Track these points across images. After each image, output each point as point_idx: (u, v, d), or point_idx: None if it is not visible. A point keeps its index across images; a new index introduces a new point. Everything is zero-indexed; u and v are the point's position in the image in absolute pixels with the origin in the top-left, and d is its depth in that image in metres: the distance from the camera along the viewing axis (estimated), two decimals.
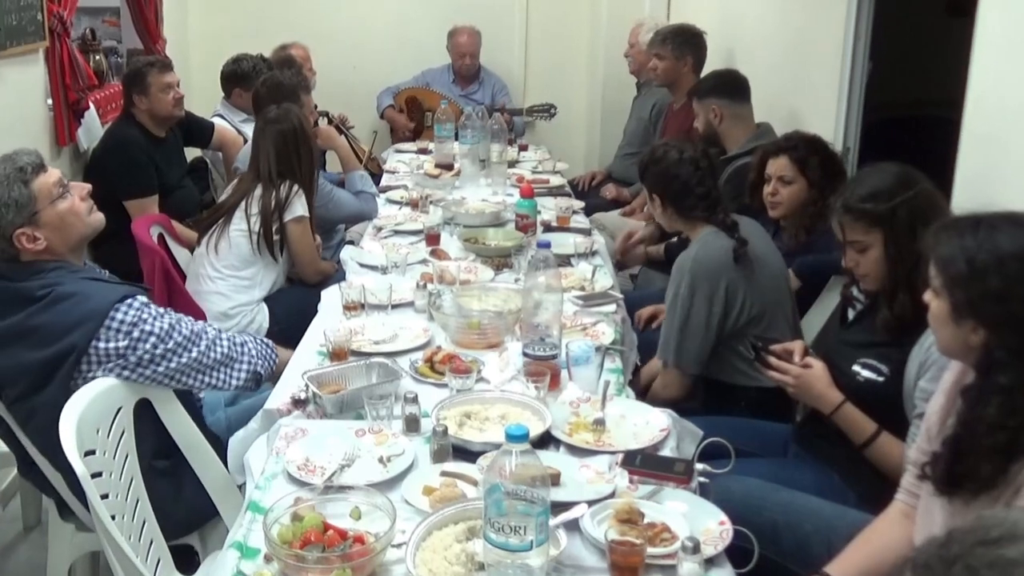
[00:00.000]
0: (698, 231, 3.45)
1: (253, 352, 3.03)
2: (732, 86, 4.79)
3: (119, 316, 2.68)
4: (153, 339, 2.71)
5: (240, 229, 4.21)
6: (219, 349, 2.91)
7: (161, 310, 2.81)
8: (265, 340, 3.16)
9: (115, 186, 4.86)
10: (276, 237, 4.21)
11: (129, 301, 2.72)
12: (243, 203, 4.24)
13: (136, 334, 2.69)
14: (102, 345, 2.66)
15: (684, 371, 3.38)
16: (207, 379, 2.90)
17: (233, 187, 4.46)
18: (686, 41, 5.74)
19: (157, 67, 5.16)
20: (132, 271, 4.09)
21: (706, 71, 5.78)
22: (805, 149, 3.81)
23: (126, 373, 2.71)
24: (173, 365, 2.78)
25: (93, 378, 2.66)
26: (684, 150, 3.45)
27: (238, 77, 5.91)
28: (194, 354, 2.82)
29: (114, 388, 2.67)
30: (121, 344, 2.67)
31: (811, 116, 4.81)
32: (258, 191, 4.23)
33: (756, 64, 4.96)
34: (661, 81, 5.95)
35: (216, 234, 4.26)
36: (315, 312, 3.60)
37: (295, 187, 4.25)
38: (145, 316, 2.72)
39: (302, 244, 4.30)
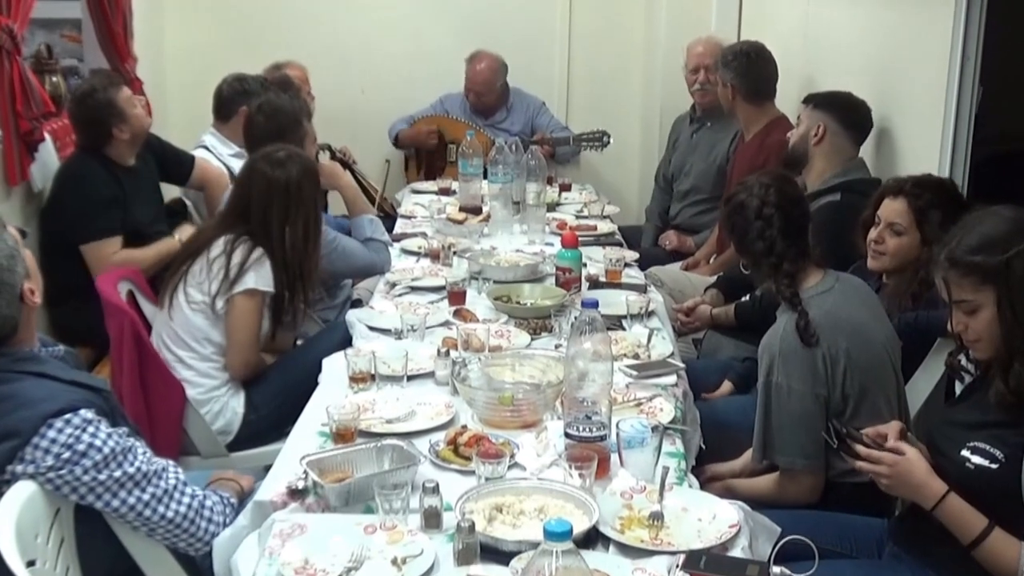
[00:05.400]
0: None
1: (218, 521, 2.90)
2: (854, 115, 4.86)
3: (51, 434, 2.57)
4: (86, 462, 2.61)
5: (199, 287, 4.10)
6: (173, 507, 2.79)
7: (109, 430, 2.68)
8: (231, 502, 3.02)
9: (73, 229, 4.93)
10: (222, 311, 4.08)
11: (67, 417, 2.60)
12: (203, 258, 4.11)
13: (66, 455, 2.58)
14: (19, 468, 2.57)
15: (815, 469, 3.32)
16: (148, 533, 2.80)
17: (193, 236, 4.29)
18: (733, 62, 5.79)
19: (114, 85, 5.18)
20: (97, 335, 4.12)
21: (782, 93, 5.83)
22: (929, 197, 3.72)
23: (60, 492, 2.64)
24: (111, 500, 2.69)
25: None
26: (767, 202, 3.42)
27: (247, 94, 5.77)
28: (133, 499, 2.71)
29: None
30: (45, 464, 2.57)
31: (908, 149, 4.84)
32: (217, 247, 4.10)
33: (842, 86, 5.00)
34: (726, 109, 6.00)
35: (172, 294, 4.15)
36: (305, 395, 3.53)
37: (255, 251, 4.08)
38: (84, 437, 2.61)
39: (240, 322, 4.10)
